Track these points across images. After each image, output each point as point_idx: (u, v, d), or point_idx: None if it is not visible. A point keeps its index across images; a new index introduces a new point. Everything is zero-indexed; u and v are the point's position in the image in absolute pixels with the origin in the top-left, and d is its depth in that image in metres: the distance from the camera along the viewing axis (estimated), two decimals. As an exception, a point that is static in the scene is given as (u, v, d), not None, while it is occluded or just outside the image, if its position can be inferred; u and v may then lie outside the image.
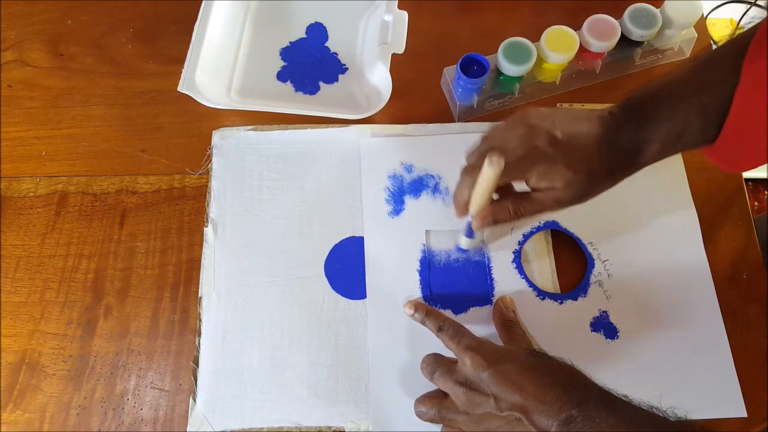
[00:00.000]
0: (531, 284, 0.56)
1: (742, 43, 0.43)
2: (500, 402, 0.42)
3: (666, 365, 0.53)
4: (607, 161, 0.46)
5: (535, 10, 0.71)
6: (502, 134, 0.48)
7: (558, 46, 0.60)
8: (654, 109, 0.46)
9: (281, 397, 0.52)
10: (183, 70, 0.61)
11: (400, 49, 0.64)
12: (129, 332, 0.55)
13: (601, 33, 0.61)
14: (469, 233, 0.54)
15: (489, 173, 0.44)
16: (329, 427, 0.51)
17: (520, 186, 0.49)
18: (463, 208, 0.50)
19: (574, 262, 0.58)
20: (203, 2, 0.66)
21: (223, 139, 0.63)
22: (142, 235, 0.59)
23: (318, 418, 0.52)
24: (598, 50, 0.62)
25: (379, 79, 0.64)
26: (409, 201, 0.60)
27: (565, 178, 0.45)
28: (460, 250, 0.58)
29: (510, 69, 0.60)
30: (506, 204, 0.48)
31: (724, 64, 0.44)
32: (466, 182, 0.48)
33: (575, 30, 0.61)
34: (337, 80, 0.67)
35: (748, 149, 0.44)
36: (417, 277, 0.56)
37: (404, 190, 0.60)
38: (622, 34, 0.62)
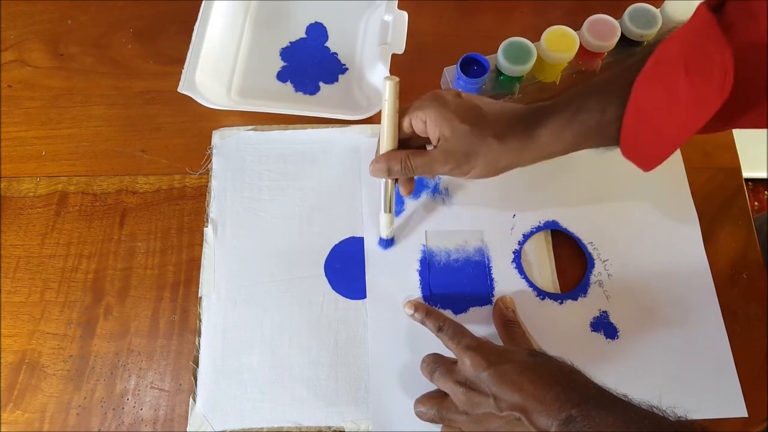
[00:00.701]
0: (531, 284, 0.56)
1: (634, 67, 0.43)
2: (500, 402, 0.42)
3: (666, 365, 0.53)
4: (500, 120, 0.46)
5: (535, 10, 0.71)
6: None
7: (558, 46, 0.60)
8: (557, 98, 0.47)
9: (281, 397, 0.52)
10: (183, 71, 0.61)
11: (400, 49, 0.64)
12: (129, 332, 0.55)
13: (601, 33, 0.61)
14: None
15: (388, 91, 0.47)
16: (329, 427, 0.51)
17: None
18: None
19: (574, 262, 0.58)
20: (203, 2, 0.66)
21: (223, 139, 0.63)
22: (142, 235, 0.59)
23: (318, 418, 0.52)
24: (598, 50, 0.62)
25: (379, 79, 0.64)
26: (409, 201, 0.60)
27: (453, 125, 0.46)
28: (382, 243, 0.57)
29: (510, 69, 0.60)
30: (399, 154, 0.49)
31: (639, 61, 0.44)
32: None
33: (575, 30, 0.61)
34: (337, 80, 0.67)
35: (650, 138, 0.44)
36: (417, 277, 0.57)
37: (404, 190, 0.60)
38: (622, 34, 0.62)
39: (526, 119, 0.46)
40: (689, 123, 0.39)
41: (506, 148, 0.46)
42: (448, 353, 0.48)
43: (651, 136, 0.43)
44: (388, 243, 0.57)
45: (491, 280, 0.56)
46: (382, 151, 0.50)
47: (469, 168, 0.47)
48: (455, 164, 0.47)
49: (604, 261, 0.57)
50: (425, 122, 0.48)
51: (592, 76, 0.64)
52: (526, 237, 0.58)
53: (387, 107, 0.48)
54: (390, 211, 0.54)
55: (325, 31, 0.70)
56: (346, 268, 0.57)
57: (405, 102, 0.49)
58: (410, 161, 0.49)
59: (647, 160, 0.45)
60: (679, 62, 0.39)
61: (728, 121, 0.40)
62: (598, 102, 0.44)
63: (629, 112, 0.42)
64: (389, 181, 0.52)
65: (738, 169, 0.62)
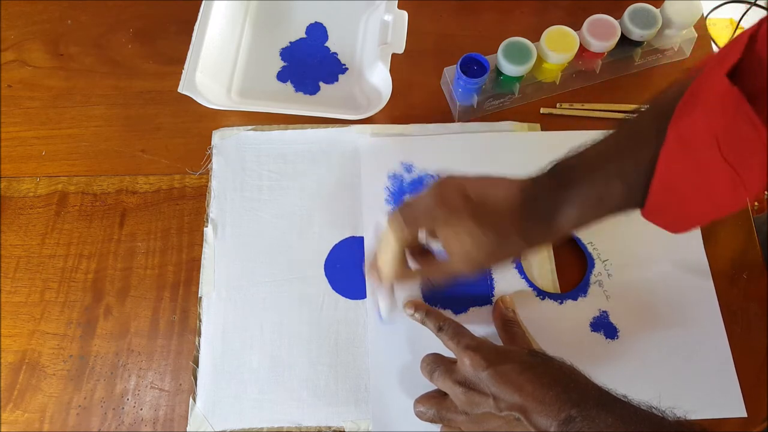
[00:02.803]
0: (531, 284, 0.56)
1: (663, 106, 0.41)
2: (499, 402, 0.42)
3: (666, 365, 0.53)
4: (520, 221, 0.44)
5: (535, 10, 0.71)
6: (416, 197, 0.47)
7: (558, 46, 0.60)
8: (573, 173, 0.44)
9: (281, 397, 0.52)
10: (183, 71, 0.61)
11: (400, 49, 0.64)
12: (129, 332, 0.55)
13: (601, 33, 0.61)
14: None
15: (391, 235, 0.46)
16: (329, 427, 0.51)
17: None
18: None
19: (574, 262, 0.58)
20: (203, 2, 0.66)
21: (223, 139, 0.63)
22: (142, 235, 0.59)
23: (318, 418, 0.52)
24: (598, 50, 0.62)
25: (379, 79, 0.64)
26: (409, 201, 0.60)
27: (474, 234, 0.43)
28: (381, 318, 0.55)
29: (510, 69, 0.60)
30: (416, 272, 0.48)
31: (645, 127, 0.42)
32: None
33: (575, 30, 0.61)
34: (337, 80, 0.67)
35: (680, 211, 0.42)
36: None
37: (404, 190, 0.60)
38: (622, 34, 0.62)
39: (544, 205, 0.44)
40: (730, 205, 0.39)
41: (529, 244, 0.45)
42: (448, 353, 0.48)
43: (680, 212, 0.42)
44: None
45: (491, 280, 0.56)
46: (388, 272, 0.49)
47: (492, 265, 0.47)
48: (477, 268, 0.46)
49: (604, 261, 0.57)
50: (437, 231, 0.45)
51: (592, 75, 0.64)
52: (526, 237, 0.58)
53: (392, 245, 0.47)
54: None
55: (325, 31, 0.70)
56: (346, 268, 0.57)
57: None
58: (430, 278, 0.48)
59: (677, 226, 0.44)
60: (710, 141, 0.37)
61: None
62: (622, 186, 0.42)
63: (655, 189, 0.40)
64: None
65: (738, 169, 0.62)
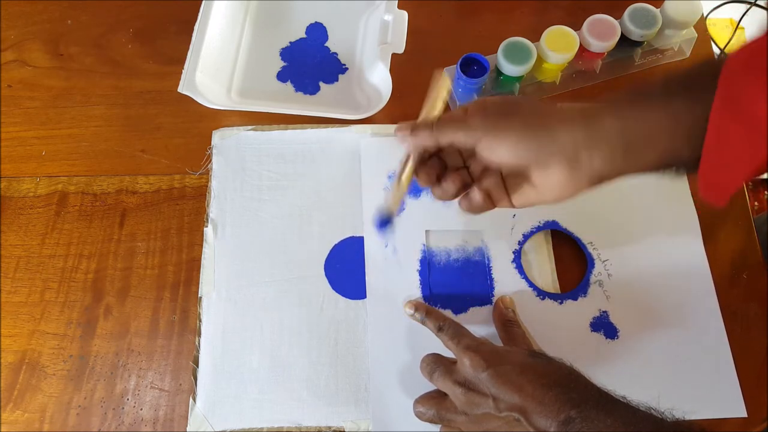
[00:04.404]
0: (531, 284, 0.56)
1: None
2: (499, 403, 0.42)
3: (666, 365, 0.53)
4: (559, 115, 0.42)
5: (535, 10, 0.71)
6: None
7: (558, 46, 0.60)
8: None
9: (281, 397, 0.52)
10: (183, 71, 0.61)
11: (400, 49, 0.64)
12: (129, 332, 0.55)
13: (601, 33, 0.61)
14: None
15: (439, 82, 0.45)
16: (329, 427, 0.52)
17: None
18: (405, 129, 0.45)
19: (574, 262, 0.58)
20: (203, 2, 0.66)
21: (223, 139, 0.63)
22: (142, 235, 0.59)
23: (318, 418, 0.52)
24: (598, 50, 0.62)
25: (379, 79, 0.64)
26: (409, 201, 0.60)
27: (513, 127, 0.41)
28: (380, 225, 0.47)
29: (510, 69, 0.60)
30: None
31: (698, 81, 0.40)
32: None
33: (575, 30, 0.61)
34: (337, 80, 0.67)
35: (728, 162, 0.39)
36: (417, 277, 0.57)
37: (404, 190, 0.60)
38: (622, 34, 0.62)
39: (588, 108, 0.42)
40: None
41: (563, 139, 0.41)
42: (448, 353, 0.49)
43: (740, 140, 0.38)
44: (383, 223, 0.46)
45: (491, 280, 0.56)
46: (426, 115, 0.46)
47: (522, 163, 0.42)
48: (512, 158, 0.42)
49: (604, 261, 0.57)
50: (476, 120, 0.43)
51: (592, 75, 0.64)
52: (526, 237, 0.58)
53: (439, 90, 0.46)
54: (400, 183, 0.46)
55: (325, 31, 0.70)
56: (346, 268, 0.57)
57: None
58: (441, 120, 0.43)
59: (725, 185, 0.40)
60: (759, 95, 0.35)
61: None
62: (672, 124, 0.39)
63: (708, 146, 0.38)
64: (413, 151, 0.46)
65: (738, 169, 0.62)
